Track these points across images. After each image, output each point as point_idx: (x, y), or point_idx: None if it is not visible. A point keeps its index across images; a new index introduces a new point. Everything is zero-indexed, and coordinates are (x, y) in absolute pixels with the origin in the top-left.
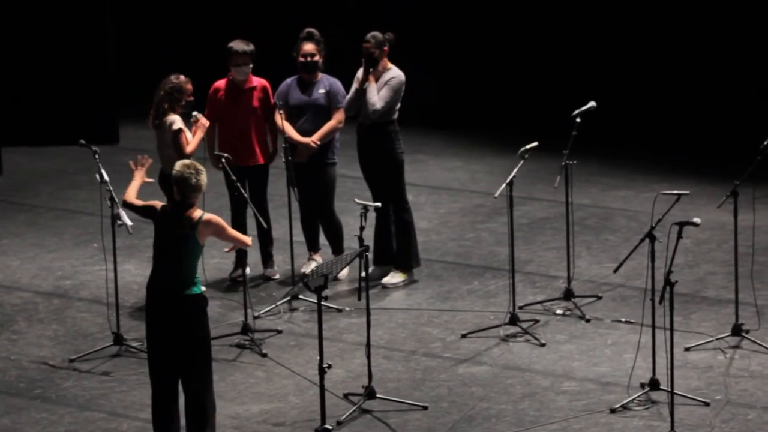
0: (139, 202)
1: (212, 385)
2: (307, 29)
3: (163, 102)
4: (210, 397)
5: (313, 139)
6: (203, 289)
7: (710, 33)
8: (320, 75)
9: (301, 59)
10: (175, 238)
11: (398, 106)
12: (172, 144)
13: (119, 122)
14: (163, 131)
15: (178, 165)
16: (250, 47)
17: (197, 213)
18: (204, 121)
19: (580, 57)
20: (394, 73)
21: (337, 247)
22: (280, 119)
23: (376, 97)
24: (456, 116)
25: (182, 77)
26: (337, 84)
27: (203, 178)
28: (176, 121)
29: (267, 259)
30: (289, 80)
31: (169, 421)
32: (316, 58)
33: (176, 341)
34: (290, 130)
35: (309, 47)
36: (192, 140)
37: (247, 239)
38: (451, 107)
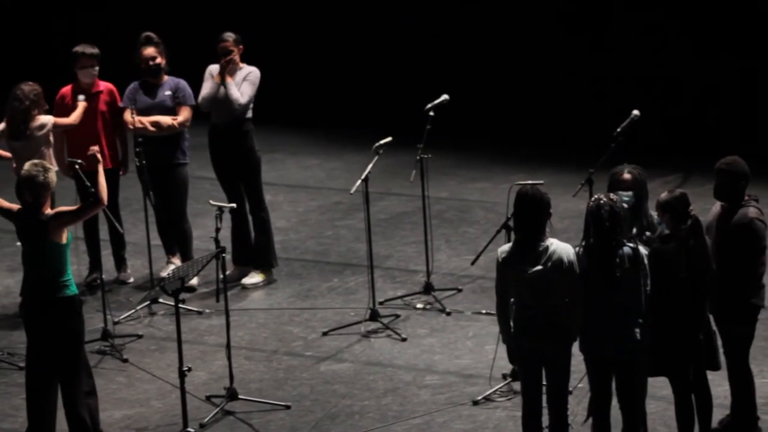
0: (4, 203)
1: (85, 386)
2: (144, 33)
3: (31, 110)
4: (88, 400)
5: (145, 123)
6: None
7: (552, 26)
8: (166, 77)
9: (144, 65)
10: (32, 241)
11: (252, 104)
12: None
13: None
14: (35, 136)
15: (27, 165)
16: (96, 50)
17: (47, 212)
18: (85, 103)
19: (430, 51)
20: (251, 69)
21: (185, 254)
22: (130, 116)
23: (238, 93)
24: (311, 114)
25: (31, 83)
26: (183, 83)
27: (52, 176)
28: (48, 119)
29: (120, 263)
30: (135, 83)
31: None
32: (158, 60)
33: (50, 346)
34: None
35: (149, 51)
36: (73, 115)
37: (102, 199)
38: (305, 105)
